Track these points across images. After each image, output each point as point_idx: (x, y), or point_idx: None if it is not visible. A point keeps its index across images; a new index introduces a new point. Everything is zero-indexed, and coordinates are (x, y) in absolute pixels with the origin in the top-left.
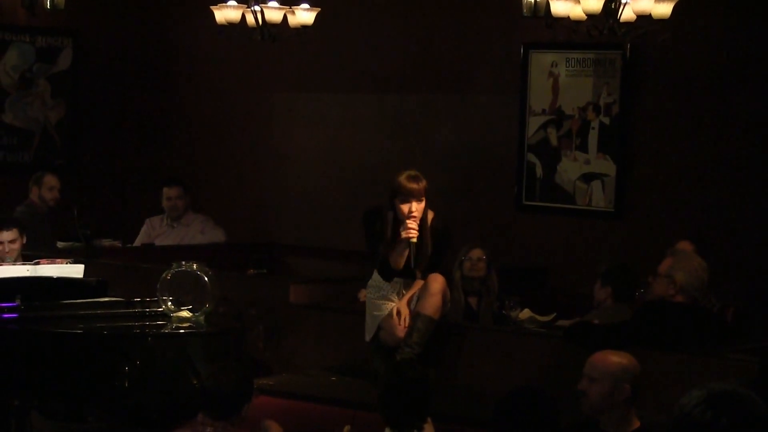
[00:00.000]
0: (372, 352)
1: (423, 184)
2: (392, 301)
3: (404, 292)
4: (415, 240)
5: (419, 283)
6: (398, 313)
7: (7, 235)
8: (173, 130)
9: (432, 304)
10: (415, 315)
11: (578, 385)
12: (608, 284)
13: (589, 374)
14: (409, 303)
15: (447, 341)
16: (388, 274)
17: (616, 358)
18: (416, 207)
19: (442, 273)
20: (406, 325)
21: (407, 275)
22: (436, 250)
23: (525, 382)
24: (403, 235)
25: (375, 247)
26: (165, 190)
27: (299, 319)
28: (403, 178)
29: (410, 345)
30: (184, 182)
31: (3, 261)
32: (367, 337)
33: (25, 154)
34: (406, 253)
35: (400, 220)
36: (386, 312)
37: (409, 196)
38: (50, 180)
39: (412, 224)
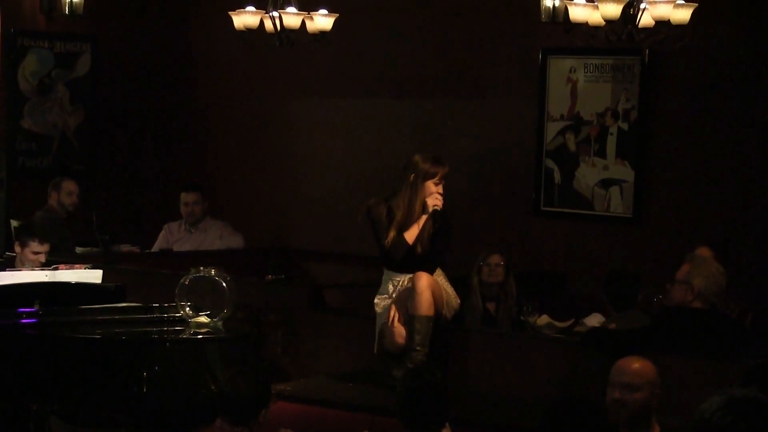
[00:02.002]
0: (383, 361)
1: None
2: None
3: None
4: (439, 208)
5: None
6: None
7: (47, 247)
8: (191, 135)
9: (423, 302)
10: (409, 318)
11: (614, 395)
12: (604, 293)
13: (630, 383)
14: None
15: (453, 343)
16: (399, 252)
17: (649, 364)
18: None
19: (442, 267)
20: (393, 323)
21: (413, 264)
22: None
23: (544, 388)
24: (432, 202)
25: (385, 235)
26: (183, 195)
27: (317, 324)
28: (435, 162)
29: (414, 349)
30: (202, 188)
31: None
32: (375, 348)
33: (43, 160)
34: (427, 224)
35: (424, 198)
36: (382, 318)
37: (443, 177)
38: (69, 185)
39: (440, 196)
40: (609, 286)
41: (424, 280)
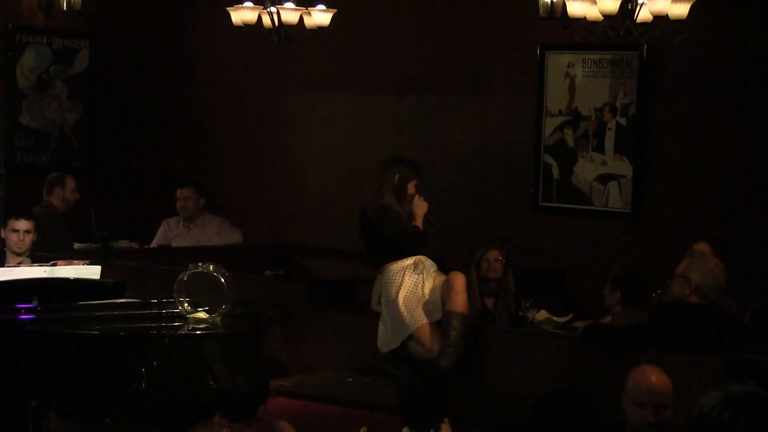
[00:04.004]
0: (390, 362)
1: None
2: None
3: (431, 273)
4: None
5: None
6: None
7: (25, 224)
8: (190, 131)
9: (461, 300)
10: (447, 314)
11: (649, 420)
12: (617, 289)
13: (663, 402)
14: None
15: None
16: (418, 238)
17: (663, 373)
18: None
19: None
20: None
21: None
22: None
23: (542, 384)
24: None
25: (406, 230)
26: (178, 191)
27: (316, 320)
28: (415, 168)
29: (451, 345)
30: (198, 183)
31: (15, 254)
32: (388, 347)
33: (42, 156)
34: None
35: (410, 199)
36: (417, 320)
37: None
38: (72, 182)
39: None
40: (624, 283)
41: (462, 280)
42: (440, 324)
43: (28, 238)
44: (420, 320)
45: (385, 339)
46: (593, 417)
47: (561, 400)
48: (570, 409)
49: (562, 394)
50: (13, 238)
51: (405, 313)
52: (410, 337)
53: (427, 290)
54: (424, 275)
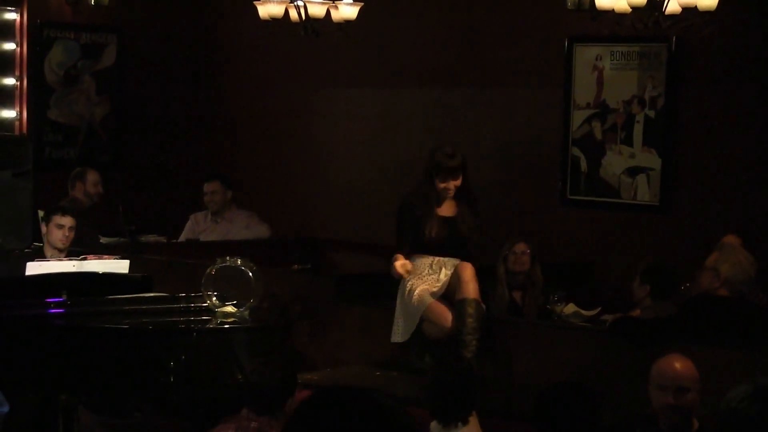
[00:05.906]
0: (412, 351)
1: (458, 160)
2: (435, 284)
3: (444, 271)
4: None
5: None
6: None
7: (70, 220)
8: (217, 125)
9: (473, 289)
10: (460, 302)
11: (667, 401)
12: (647, 282)
13: (682, 385)
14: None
15: (491, 335)
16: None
17: (689, 360)
18: (453, 184)
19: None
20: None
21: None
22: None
23: (570, 377)
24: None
25: (405, 239)
26: (204, 185)
27: (343, 314)
28: (441, 157)
29: (469, 332)
30: (224, 177)
31: (57, 249)
32: (403, 338)
33: (70, 151)
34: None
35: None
36: (425, 302)
37: (448, 176)
38: (93, 176)
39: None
40: (652, 276)
41: (470, 269)
42: (450, 304)
43: (72, 234)
44: (425, 301)
45: (396, 329)
46: (596, 407)
47: (563, 391)
48: (572, 400)
49: (565, 386)
50: (57, 234)
51: (411, 302)
52: (421, 320)
53: (439, 283)
54: (440, 273)
